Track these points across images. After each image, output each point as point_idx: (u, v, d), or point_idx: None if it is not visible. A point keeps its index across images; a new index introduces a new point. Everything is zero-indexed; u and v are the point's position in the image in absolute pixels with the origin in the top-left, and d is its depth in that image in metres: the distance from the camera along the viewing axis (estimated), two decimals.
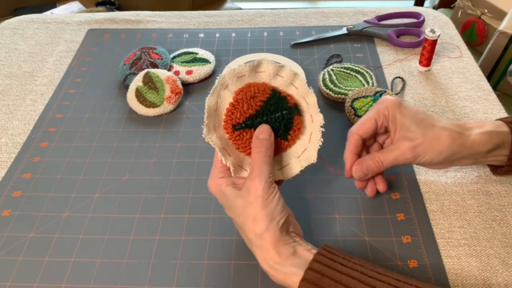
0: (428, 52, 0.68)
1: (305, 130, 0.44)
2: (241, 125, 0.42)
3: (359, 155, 0.48)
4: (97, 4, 1.48)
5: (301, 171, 0.44)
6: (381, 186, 0.49)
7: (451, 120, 0.49)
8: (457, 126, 0.48)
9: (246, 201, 0.40)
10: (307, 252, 0.40)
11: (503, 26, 1.03)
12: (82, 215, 0.52)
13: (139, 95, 0.64)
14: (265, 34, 0.80)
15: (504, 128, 0.48)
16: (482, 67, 1.07)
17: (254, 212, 0.39)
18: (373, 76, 0.68)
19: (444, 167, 0.51)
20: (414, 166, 0.56)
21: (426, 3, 1.78)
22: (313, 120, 0.43)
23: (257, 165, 0.41)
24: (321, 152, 0.57)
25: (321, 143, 0.43)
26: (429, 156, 0.46)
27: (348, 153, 0.48)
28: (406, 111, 0.47)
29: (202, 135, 0.41)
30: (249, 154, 0.43)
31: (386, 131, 0.49)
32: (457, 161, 0.49)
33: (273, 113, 0.42)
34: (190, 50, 0.73)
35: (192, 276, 0.46)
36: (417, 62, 0.72)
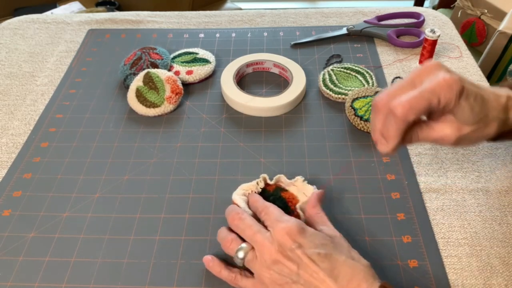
0: (428, 52, 0.69)
1: (298, 196, 0.49)
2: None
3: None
4: (97, 4, 1.48)
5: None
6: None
7: (498, 97, 0.41)
8: (504, 108, 0.41)
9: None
10: None
11: (503, 26, 1.03)
12: (82, 215, 0.52)
13: (139, 95, 0.64)
14: (265, 34, 0.80)
15: None
16: (482, 67, 1.07)
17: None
18: (373, 76, 0.68)
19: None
20: (414, 166, 0.56)
21: (426, 3, 1.78)
22: (304, 192, 0.50)
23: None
24: (321, 152, 0.57)
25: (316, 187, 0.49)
26: (466, 144, 0.42)
27: (394, 143, 0.41)
28: (468, 99, 0.38)
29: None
30: None
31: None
32: None
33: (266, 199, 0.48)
34: (190, 50, 0.73)
35: (192, 276, 0.46)
36: (417, 62, 0.72)
